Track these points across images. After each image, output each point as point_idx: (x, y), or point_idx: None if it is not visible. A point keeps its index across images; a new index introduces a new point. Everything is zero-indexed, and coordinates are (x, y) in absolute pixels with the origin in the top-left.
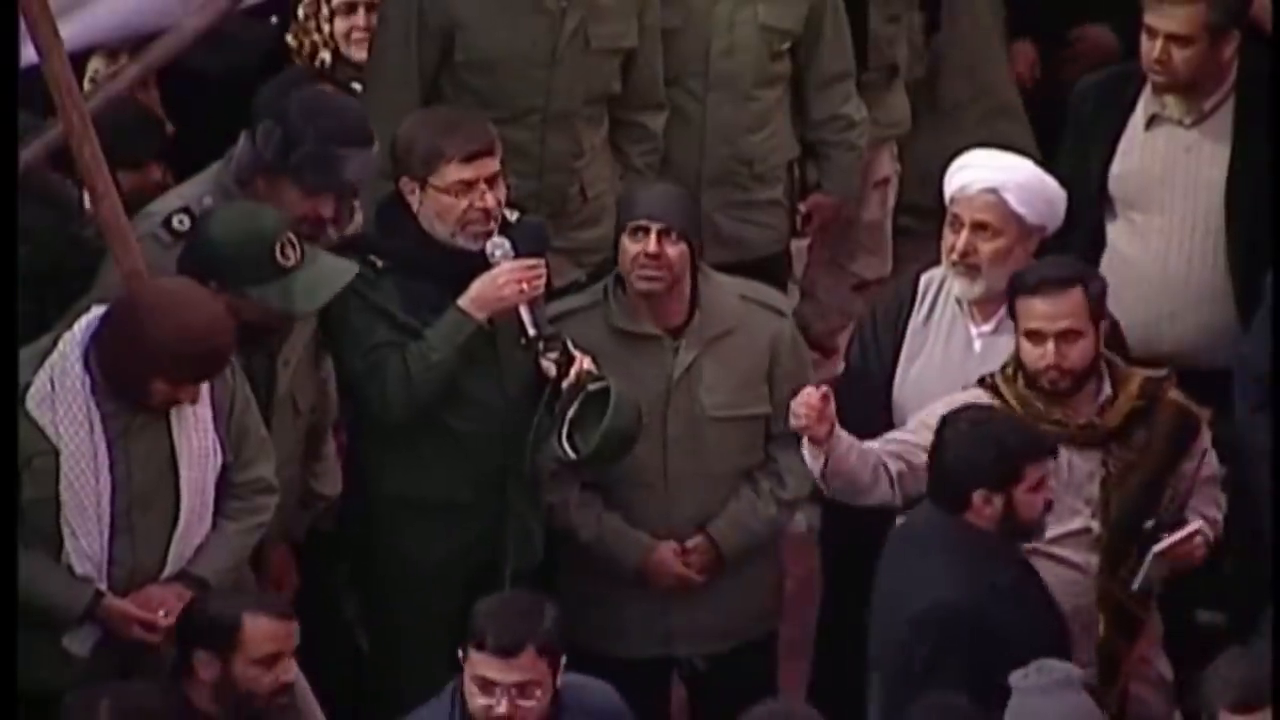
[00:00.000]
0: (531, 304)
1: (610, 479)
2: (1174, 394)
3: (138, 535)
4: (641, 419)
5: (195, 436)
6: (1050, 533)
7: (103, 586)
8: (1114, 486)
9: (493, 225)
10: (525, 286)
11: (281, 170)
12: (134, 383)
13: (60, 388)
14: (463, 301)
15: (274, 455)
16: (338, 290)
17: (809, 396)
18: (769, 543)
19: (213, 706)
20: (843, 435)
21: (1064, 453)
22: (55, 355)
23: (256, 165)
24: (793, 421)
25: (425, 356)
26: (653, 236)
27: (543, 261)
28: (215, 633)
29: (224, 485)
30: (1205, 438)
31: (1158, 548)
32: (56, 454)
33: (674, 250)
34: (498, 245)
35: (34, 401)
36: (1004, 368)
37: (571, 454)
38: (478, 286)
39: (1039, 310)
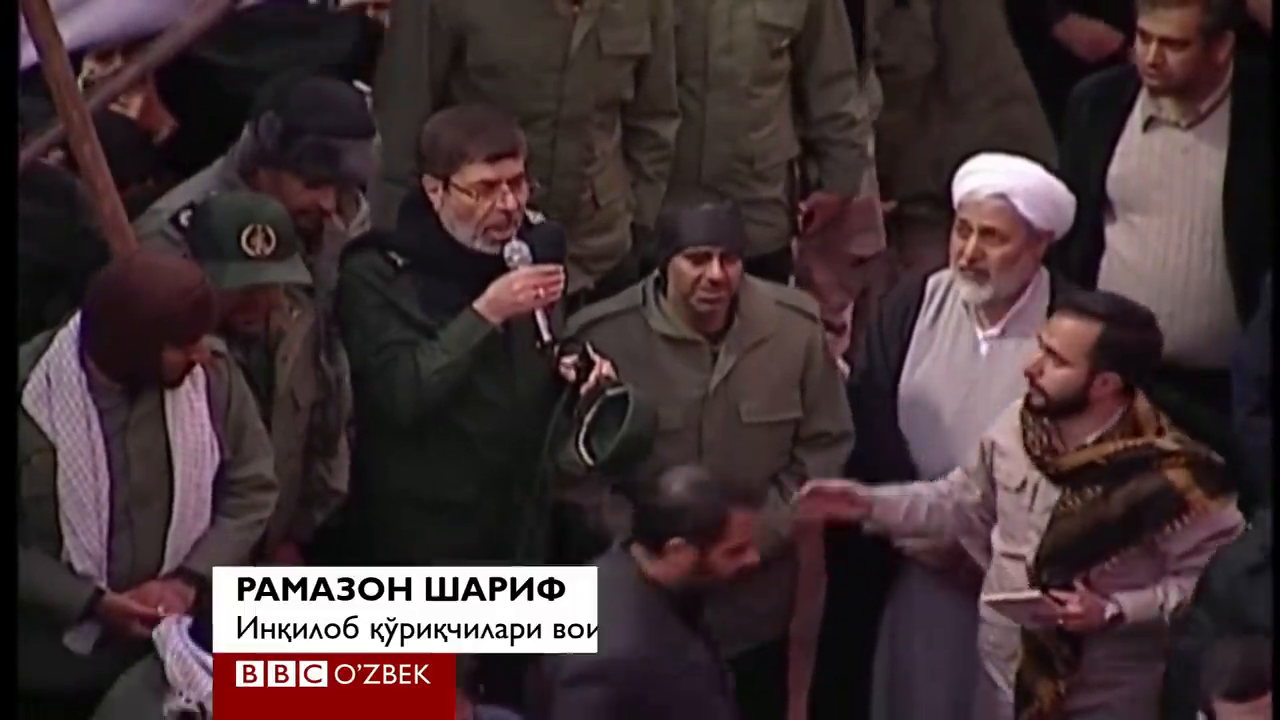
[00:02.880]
0: (548, 309)
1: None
2: (1175, 474)
3: (136, 532)
4: (659, 425)
5: (191, 432)
6: (1004, 547)
7: (102, 584)
8: (1053, 527)
9: (513, 228)
10: (541, 293)
11: (282, 162)
12: (145, 360)
13: (56, 384)
14: (478, 304)
15: (272, 452)
16: (259, 282)
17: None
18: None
19: (676, 586)
20: (888, 497)
21: (1035, 476)
22: (51, 351)
23: (258, 157)
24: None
25: (436, 357)
26: (716, 262)
27: (560, 268)
28: (701, 526)
29: (223, 482)
30: (1197, 525)
31: (986, 598)
32: (54, 451)
33: (733, 270)
34: (515, 250)
35: (30, 398)
36: None
37: (589, 459)
38: (494, 290)
39: (1049, 322)
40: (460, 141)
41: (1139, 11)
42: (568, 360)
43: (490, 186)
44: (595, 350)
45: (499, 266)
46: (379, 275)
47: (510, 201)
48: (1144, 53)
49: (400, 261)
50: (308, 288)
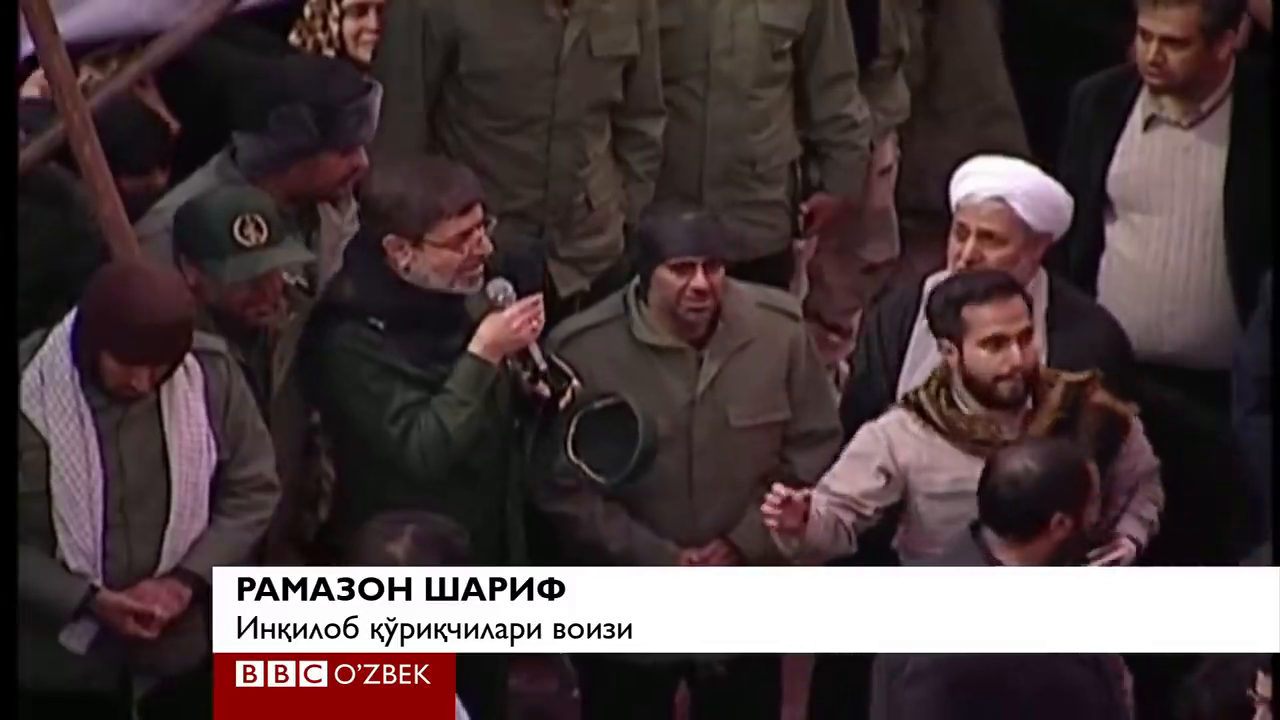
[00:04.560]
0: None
1: (633, 490)
2: (1099, 396)
3: (132, 530)
4: (659, 431)
5: (187, 431)
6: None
7: (98, 582)
8: None
9: (482, 265)
10: (535, 324)
11: (323, 145)
12: (88, 360)
13: (49, 381)
14: (476, 348)
15: (273, 453)
16: (264, 270)
17: (780, 498)
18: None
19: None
20: (812, 517)
21: (978, 469)
22: (45, 349)
23: (290, 153)
24: (766, 518)
25: (456, 410)
26: (699, 272)
27: (541, 295)
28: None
29: (222, 483)
30: (1136, 434)
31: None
32: (47, 448)
33: (716, 278)
34: (500, 289)
35: (23, 395)
36: (927, 385)
37: (597, 478)
38: (490, 332)
39: (999, 315)
40: (433, 200)
41: (1139, 10)
42: (541, 368)
43: (466, 236)
44: (565, 363)
45: (463, 302)
46: (367, 344)
47: (486, 244)
48: (1144, 51)
49: (381, 325)
50: (307, 290)
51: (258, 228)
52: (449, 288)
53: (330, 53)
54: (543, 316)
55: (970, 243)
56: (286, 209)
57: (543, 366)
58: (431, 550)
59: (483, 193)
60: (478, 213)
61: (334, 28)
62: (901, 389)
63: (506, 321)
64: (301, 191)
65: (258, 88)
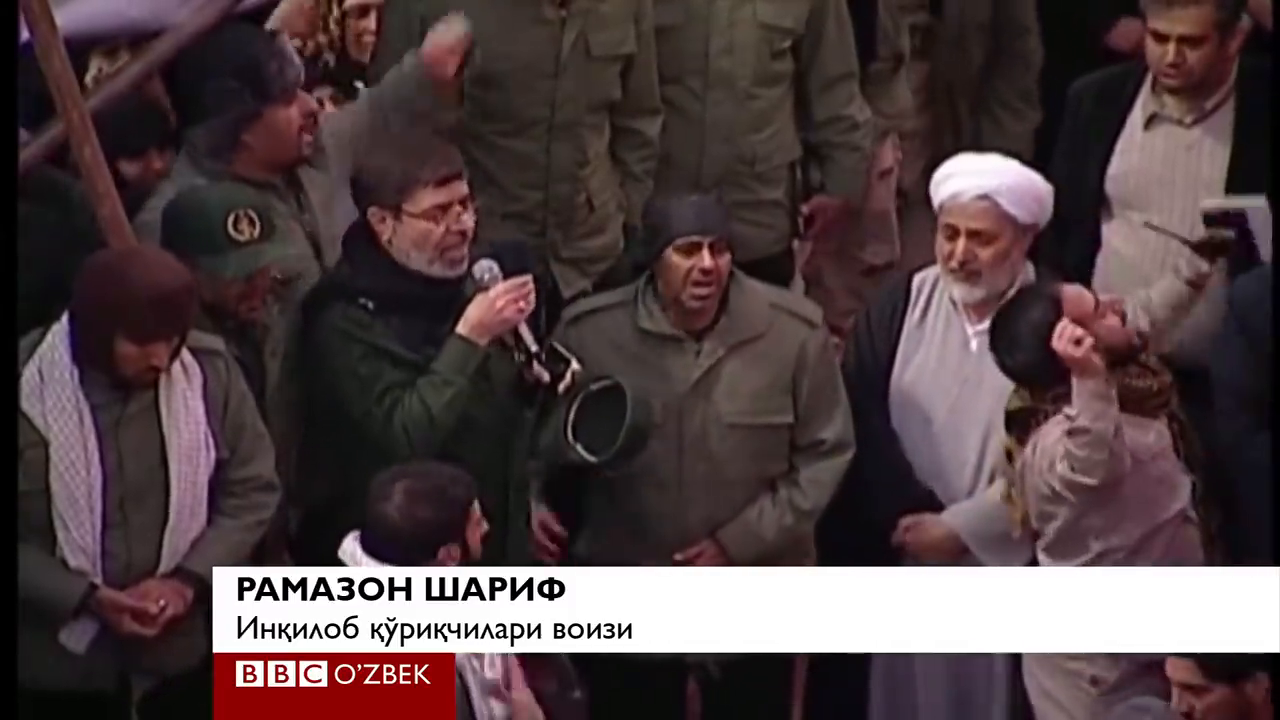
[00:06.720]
0: (529, 320)
1: (625, 477)
2: None
3: (131, 529)
4: (654, 412)
5: (186, 430)
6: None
7: (98, 580)
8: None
9: (465, 247)
10: (522, 304)
11: (263, 104)
12: (101, 349)
13: (49, 379)
14: (463, 329)
15: (273, 452)
16: (264, 264)
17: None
18: (790, 550)
19: None
20: None
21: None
22: (44, 347)
23: (240, 123)
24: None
25: (441, 390)
26: (706, 252)
27: (530, 277)
28: None
29: (222, 482)
30: None
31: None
32: (46, 446)
33: (723, 261)
34: (486, 269)
35: (23, 393)
36: None
37: (590, 457)
38: (477, 312)
39: (1079, 293)
40: (411, 169)
41: (1149, 14)
42: (533, 349)
43: (444, 209)
44: (563, 347)
45: (458, 288)
46: (357, 324)
47: (466, 221)
48: (1161, 54)
49: (371, 305)
50: (283, 283)
51: (251, 222)
52: (429, 267)
53: (330, 56)
54: (532, 298)
55: (961, 243)
56: (274, 180)
57: (534, 348)
58: (423, 502)
59: (461, 164)
60: (458, 188)
61: (334, 30)
62: (893, 385)
63: (491, 301)
64: (271, 155)
65: (181, 81)
